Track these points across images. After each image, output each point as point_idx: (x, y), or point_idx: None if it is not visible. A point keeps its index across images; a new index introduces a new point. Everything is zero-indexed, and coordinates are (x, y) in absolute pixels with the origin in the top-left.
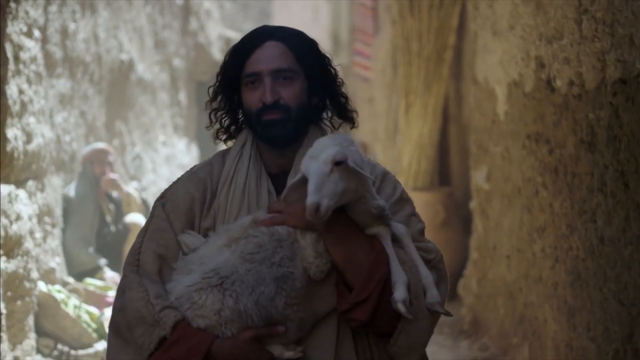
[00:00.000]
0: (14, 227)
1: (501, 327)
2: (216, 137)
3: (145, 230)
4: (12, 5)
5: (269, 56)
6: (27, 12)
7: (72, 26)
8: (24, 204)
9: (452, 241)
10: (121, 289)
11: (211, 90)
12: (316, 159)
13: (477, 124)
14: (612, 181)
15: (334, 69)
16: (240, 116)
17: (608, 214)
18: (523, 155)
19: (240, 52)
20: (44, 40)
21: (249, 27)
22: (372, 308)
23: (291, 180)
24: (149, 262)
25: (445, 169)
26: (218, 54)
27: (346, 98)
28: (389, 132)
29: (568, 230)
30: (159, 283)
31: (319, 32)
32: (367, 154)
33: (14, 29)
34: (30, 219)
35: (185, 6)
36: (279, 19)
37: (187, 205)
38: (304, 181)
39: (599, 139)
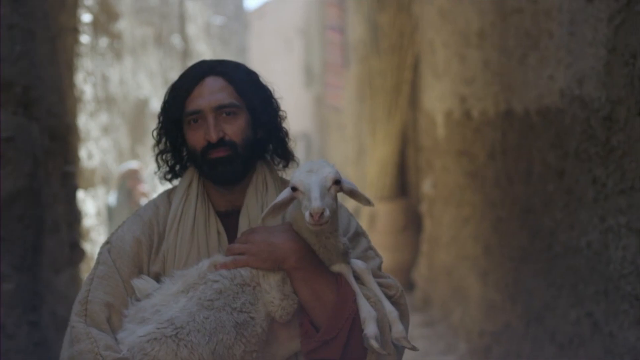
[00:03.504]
0: (87, 221)
1: (442, 299)
2: (163, 178)
3: (91, 278)
4: (76, 60)
5: (209, 92)
6: (83, 65)
7: (108, 71)
8: (90, 205)
9: (409, 241)
10: (69, 340)
11: (155, 133)
12: (314, 172)
13: (425, 144)
14: (503, 180)
15: (276, 101)
16: (184, 154)
17: (502, 202)
18: (454, 166)
19: (180, 90)
20: (94, 84)
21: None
22: (342, 346)
23: (244, 218)
24: (96, 311)
25: (404, 183)
26: None
27: (286, 134)
28: (357, 153)
29: (481, 217)
30: (108, 333)
31: (292, 65)
32: None
33: (78, 78)
34: (93, 217)
35: (184, 50)
36: (255, 53)
37: (133, 250)
38: (286, 201)
39: (496, 151)
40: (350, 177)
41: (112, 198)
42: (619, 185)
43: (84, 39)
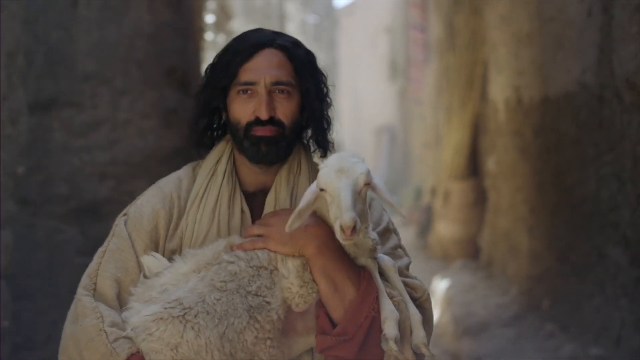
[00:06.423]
0: None
1: (502, 258)
2: (193, 144)
3: (104, 251)
4: (201, 53)
5: (267, 65)
6: (206, 57)
7: None
8: None
9: (479, 215)
10: (74, 315)
11: (197, 97)
12: (345, 174)
13: (490, 127)
14: (543, 152)
15: (328, 88)
16: (218, 124)
17: (542, 170)
18: (511, 144)
19: (235, 56)
20: None
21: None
22: (358, 345)
23: (271, 198)
24: (106, 286)
25: (476, 165)
26: None
27: (329, 123)
28: (435, 140)
29: (529, 184)
30: (116, 309)
31: (377, 60)
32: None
33: (203, 68)
34: None
35: None
36: (344, 48)
37: (151, 224)
38: (312, 203)
39: (538, 129)
40: (428, 161)
41: None
42: (607, 145)
43: (208, 35)
